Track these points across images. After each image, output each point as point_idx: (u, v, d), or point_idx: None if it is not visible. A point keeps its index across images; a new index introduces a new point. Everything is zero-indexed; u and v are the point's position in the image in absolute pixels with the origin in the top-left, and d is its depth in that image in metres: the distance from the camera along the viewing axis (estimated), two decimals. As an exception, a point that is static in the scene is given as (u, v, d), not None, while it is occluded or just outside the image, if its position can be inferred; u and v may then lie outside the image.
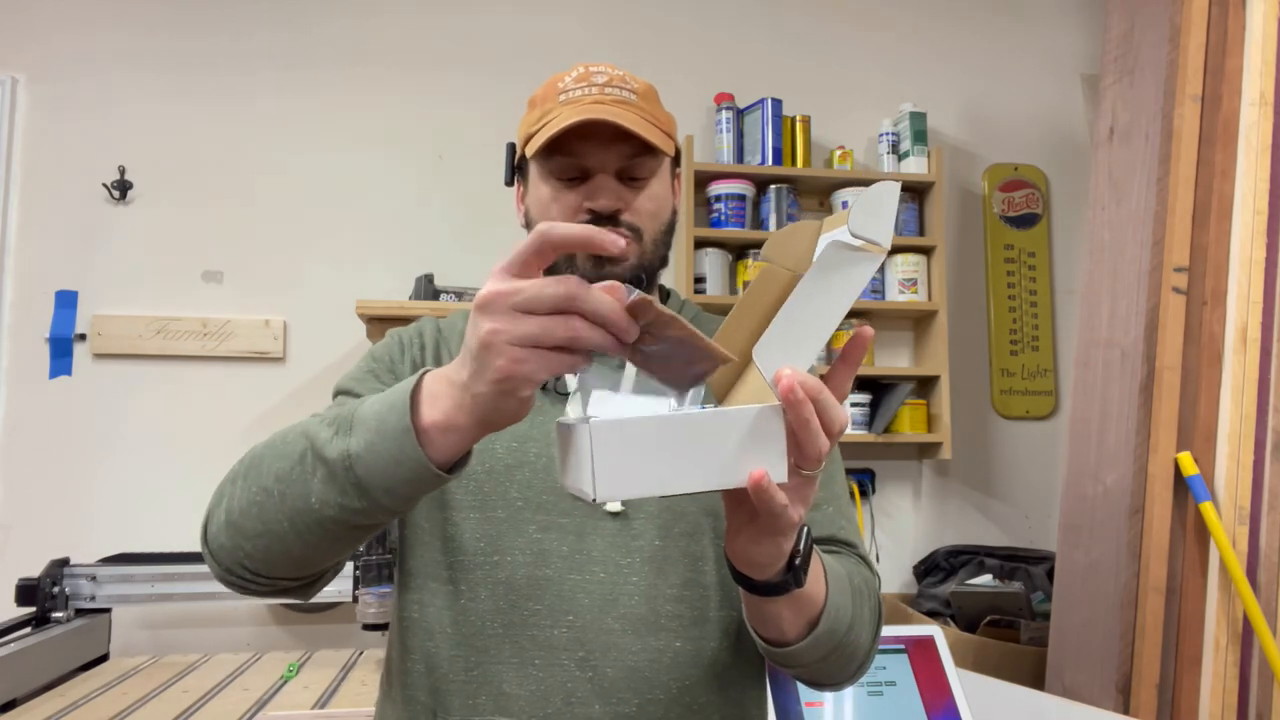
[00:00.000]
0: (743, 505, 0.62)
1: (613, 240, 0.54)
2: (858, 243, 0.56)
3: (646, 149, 0.85)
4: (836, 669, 0.77)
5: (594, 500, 0.54)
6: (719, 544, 0.84)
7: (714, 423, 0.55)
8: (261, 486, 0.68)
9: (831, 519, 0.88)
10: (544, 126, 0.87)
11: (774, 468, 0.56)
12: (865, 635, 0.79)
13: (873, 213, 0.56)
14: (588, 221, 0.86)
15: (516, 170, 0.96)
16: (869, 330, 0.59)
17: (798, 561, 0.66)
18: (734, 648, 0.85)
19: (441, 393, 0.59)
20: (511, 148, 0.97)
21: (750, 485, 0.56)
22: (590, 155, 0.86)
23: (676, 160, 0.98)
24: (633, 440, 0.54)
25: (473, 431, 0.59)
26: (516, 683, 0.79)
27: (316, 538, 0.67)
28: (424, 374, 0.62)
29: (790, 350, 0.56)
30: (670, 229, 0.93)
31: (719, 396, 0.64)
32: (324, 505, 0.64)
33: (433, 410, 0.60)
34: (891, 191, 0.57)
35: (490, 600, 0.81)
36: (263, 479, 0.68)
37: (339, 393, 0.89)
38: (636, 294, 0.53)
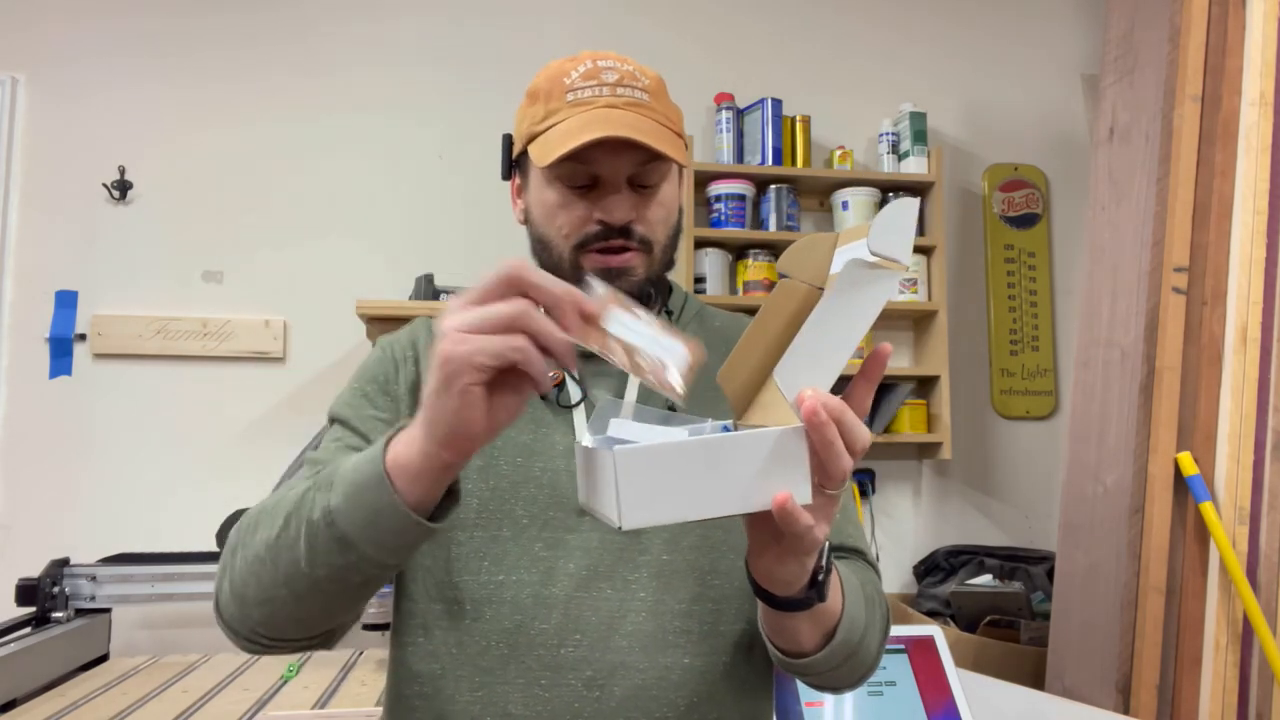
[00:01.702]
0: (765, 525, 0.61)
1: (566, 347, 0.55)
2: (877, 260, 0.56)
3: (660, 154, 0.81)
4: (846, 675, 0.77)
5: (619, 528, 0.54)
6: (729, 557, 0.83)
7: (735, 447, 0.55)
8: (256, 555, 0.69)
9: (839, 526, 0.88)
10: (552, 128, 0.82)
11: (798, 489, 0.55)
12: (875, 642, 0.79)
13: (892, 229, 0.55)
14: (597, 233, 0.83)
15: (514, 165, 0.91)
16: (888, 347, 0.59)
17: (821, 577, 0.66)
18: (744, 661, 0.83)
19: (411, 434, 0.60)
20: (507, 140, 0.91)
21: (775, 509, 0.55)
22: (602, 163, 0.81)
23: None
24: (656, 467, 0.54)
25: (439, 453, 0.58)
26: (523, 704, 0.78)
27: (316, 599, 0.67)
28: (401, 425, 0.62)
29: (812, 371, 0.56)
30: (678, 231, 0.90)
31: (738, 412, 0.64)
32: (313, 566, 0.64)
33: (406, 449, 0.60)
34: (910, 207, 0.56)
35: (496, 620, 0.79)
36: (255, 547, 0.69)
37: (333, 419, 0.87)
38: (603, 291, 0.55)
